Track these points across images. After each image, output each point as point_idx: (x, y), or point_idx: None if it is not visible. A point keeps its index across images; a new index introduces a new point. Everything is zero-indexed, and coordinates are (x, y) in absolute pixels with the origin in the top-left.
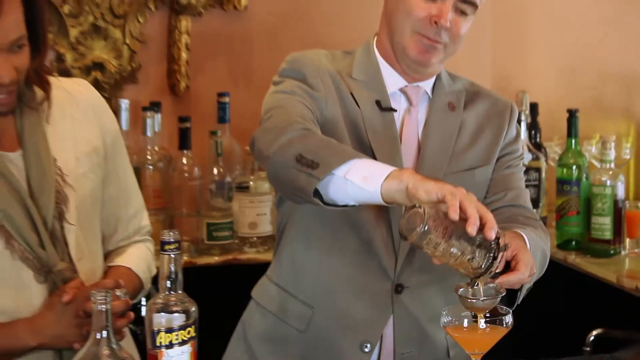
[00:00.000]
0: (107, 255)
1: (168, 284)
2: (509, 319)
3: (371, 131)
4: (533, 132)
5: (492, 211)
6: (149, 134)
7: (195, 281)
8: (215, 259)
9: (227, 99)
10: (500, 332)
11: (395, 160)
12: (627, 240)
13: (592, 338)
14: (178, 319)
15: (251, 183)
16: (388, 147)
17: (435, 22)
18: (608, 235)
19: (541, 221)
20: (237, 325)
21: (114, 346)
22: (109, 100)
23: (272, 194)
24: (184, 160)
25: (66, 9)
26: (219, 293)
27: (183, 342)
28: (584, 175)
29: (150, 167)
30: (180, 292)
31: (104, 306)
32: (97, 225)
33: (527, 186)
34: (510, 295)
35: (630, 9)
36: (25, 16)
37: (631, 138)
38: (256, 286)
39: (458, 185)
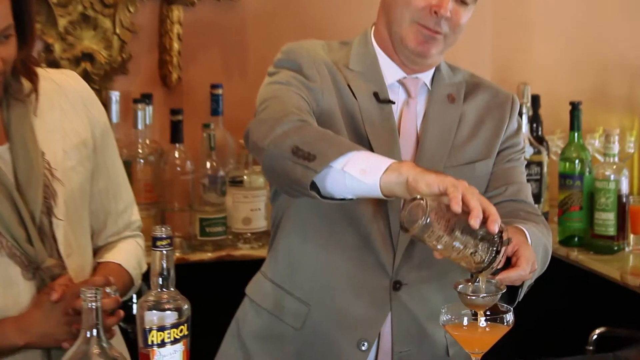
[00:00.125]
0: (97, 251)
1: (160, 281)
2: (510, 317)
3: (369, 123)
4: (535, 125)
5: None
6: (139, 126)
7: (188, 278)
8: (208, 256)
9: (220, 91)
10: (501, 331)
11: (394, 153)
12: (631, 237)
13: (594, 337)
14: (170, 316)
15: (245, 177)
16: (386, 140)
17: (435, 12)
18: (612, 231)
19: (543, 216)
20: (231, 322)
21: (105, 345)
22: (98, 91)
23: (266, 188)
24: (176, 154)
25: None
26: (212, 290)
27: (175, 341)
28: (587, 170)
29: (141, 160)
30: (172, 289)
31: (94, 304)
32: (86, 220)
33: (528, 180)
34: (511, 292)
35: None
36: (12, 6)
37: (635, 131)
38: (250, 283)
39: (458, 179)
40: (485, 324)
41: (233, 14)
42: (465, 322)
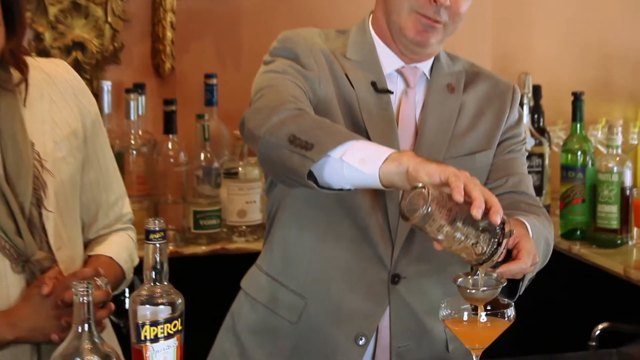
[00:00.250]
0: (87, 244)
1: (153, 274)
2: (511, 311)
3: (366, 113)
4: (536, 115)
5: None
6: (132, 117)
7: (182, 272)
8: (202, 249)
9: (214, 81)
10: (501, 326)
11: (392, 143)
12: (635, 230)
13: (597, 332)
14: (163, 311)
15: (240, 169)
16: (384, 130)
17: (435, 1)
18: (615, 224)
19: (544, 208)
20: (226, 316)
21: (96, 340)
22: (90, 81)
23: (262, 180)
24: (170, 145)
25: None
26: (206, 284)
27: (169, 336)
28: (590, 162)
29: (134, 152)
30: (165, 283)
31: (85, 298)
32: (76, 212)
33: (529, 172)
34: (512, 286)
35: None
36: None
37: (639, 122)
38: (245, 276)
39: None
40: (485, 318)
41: (228, 2)
42: (465, 317)
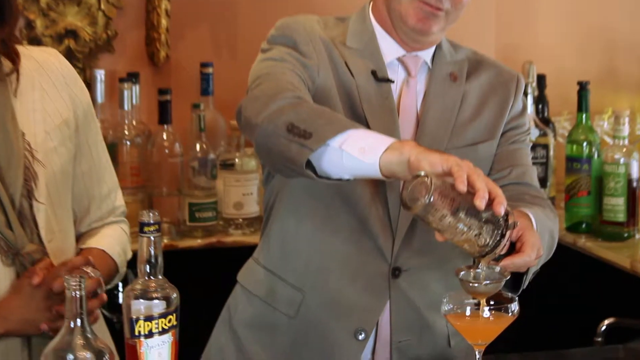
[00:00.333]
0: (79, 238)
1: (147, 268)
2: (514, 306)
3: (366, 103)
4: (540, 105)
5: None
6: (126, 107)
7: (177, 266)
8: (197, 242)
9: (210, 70)
10: (505, 321)
11: (393, 133)
12: None
13: (603, 328)
14: (158, 306)
15: (237, 160)
16: (385, 120)
17: None
18: (621, 217)
19: (549, 200)
20: (222, 311)
21: (89, 335)
22: (83, 70)
23: (259, 172)
24: (164, 136)
25: None
26: (201, 278)
27: (163, 331)
28: (596, 153)
29: (128, 142)
30: (160, 277)
31: (78, 292)
32: (68, 204)
33: (533, 164)
34: (515, 279)
35: None
36: None
37: None
38: (242, 269)
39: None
40: (488, 313)
41: None
42: (467, 311)
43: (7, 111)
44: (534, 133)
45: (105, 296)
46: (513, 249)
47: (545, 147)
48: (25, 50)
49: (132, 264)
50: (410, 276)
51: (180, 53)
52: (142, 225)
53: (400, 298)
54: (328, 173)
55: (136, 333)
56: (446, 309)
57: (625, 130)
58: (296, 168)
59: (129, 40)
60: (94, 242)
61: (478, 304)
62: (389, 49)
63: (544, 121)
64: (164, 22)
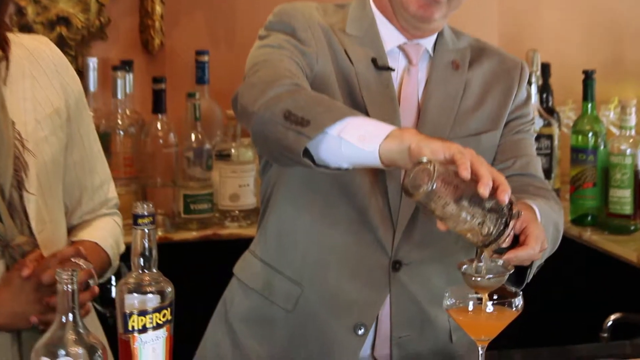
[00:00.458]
0: (71, 230)
1: (141, 262)
2: (518, 301)
3: (366, 91)
4: (545, 95)
5: None
6: (119, 95)
7: (171, 259)
8: (192, 235)
9: (206, 58)
10: (509, 316)
11: (393, 122)
12: None
13: (609, 323)
14: (152, 300)
15: (233, 150)
16: (385, 109)
17: None
18: (628, 209)
19: (554, 192)
20: (218, 305)
21: (81, 330)
22: (75, 58)
23: (255, 162)
24: (159, 125)
25: None
26: (197, 272)
27: (158, 326)
28: (601, 143)
29: (121, 132)
30: (154, 271)
31: (70, 286)
32: (59, 195)
33: (537, 155)
34: (519, 273)
35: None
36: None
37: None
38: (238, 262)
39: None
40: (492, 308)
41: None
42: (470, 306)
43: None
44: (538, 123)
45: (97, 289)
46: (517, 242)
47: (550, 137)
48: (16, 38)
49: (125, 257)
50: (411, 270)
51: (175, 40)
52: (136, 217)
53: (400, 292)
54: (326, 162)
55: (129, 328)
56: (448, 303)
57: (632, 120)
58: (293, 156)
59: (123, 28)
60: (85, 235)
61: (481, 299)
62: (390, 36)
63: (549, 111)
64: (158, 8)
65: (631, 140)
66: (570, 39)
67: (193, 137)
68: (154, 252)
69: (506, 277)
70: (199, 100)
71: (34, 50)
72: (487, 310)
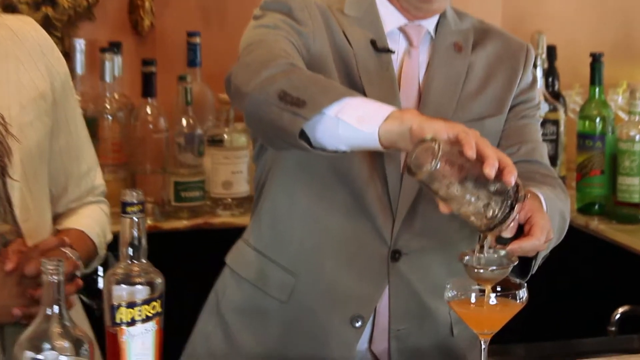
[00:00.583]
0: (56, 219)
1: (130, 251)
2: (523, 293)
3: (365, 73)
4: (550, 79)
5: None
6: (107, 79)
7: (161, 249)
8: (183, 223)
9: (198, 39)
10: (512, 309)
11: (394, 106)
12: None
13: (617, 316)
14: (141, 291)
15: (226, 136)
16: (384, 92)
17: None
18: (637, 198)
19: (560, 179)
20: (209, 295)
21: (67, 323)
22: (61, 40)
23: (249, 148)
24: (148, 110)
25: None
26: (188, 262)
27: (147, 319)
28: (610, 129)
29: (109, 117)
30: (143, 261)
31: (55, 277)
32: (44, 182)
33: (543, 141)
34: (523, 264)
35: None
36: None
37: None
38: (231, 251)
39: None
40: (495, 301)
41: None
42: (473, 298)
43: None
44: (544, 108)
45: (80, 281)
46: (521, 232)
47: (556, 123)
48: None
49: (114, 247)
50: (411, 260)
51: (165, 21)
52: (125, 205)
53: (400, 283)
54: (323, 144)
55: (117, 321)
56: (450, 295)
57: None
58: (289, 139)
59: (111, 8)
60: (71, 223)
61: (483, 290)
62: (390, 17)
63: (554, 95)
64: None
65: None
66: (577, 20)
67: (184, 122)
68: (144, 242)
69: (510, 269)
70: (191, 84)
71: (18, 31)
72: (490, 303)
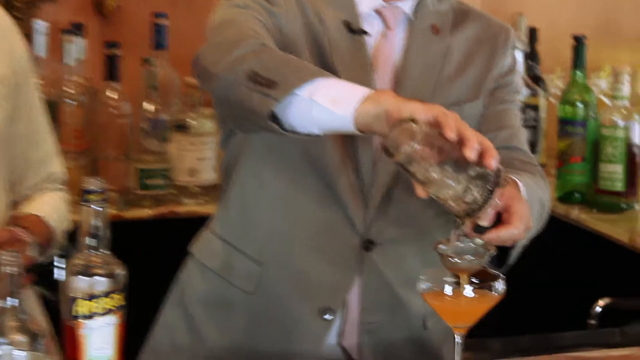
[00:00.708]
0: (12, 206)
1: (90, 242)
2: (500, 285)
3: (338, 56)
4: (531, 62)
5: None
6: (69, 62)
7: (124, 238)
8: (147, 212)
9: (164, 21)
10: (489, 301)
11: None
12: None
13: (598, 309)
14: (101, 283)
15: (192, 121)
16: (358, 75)
17: None
18: (619, 186)
19: (540, 166)
20: (173, 286)
21: (23, 316)
22: (22, 21)
23: (216, 134)
24: (112, 94)
25: None
26: (151, 253)
27: (107, 312)
28: (592, 115)
29: (71, 101)
30: (105, 251)
31: (12, 268)
32: (2, 168)
33: (523, 126)
34: (501, 254)
35: None
36: None
37: None
38: (196, 240)
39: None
40: (471, 293)
41: None
42: (448, 290)
43: None
44: (524, 93)
45: (34, 275)
46: (499, 220)
47: (536, 108)
48: None
49: (74, 237)
50: (384, 250)
51: (130, 2)
52: (86, 193)
53: (372, 274)
54: (295, 127)
55: (75, 314)
56: (423, 287)
57: (625, 89)
58: (259, 121)
59: None
60: (29, 209)
61: (459, 282)
62: None
63: (535, 79)
64: None
65: (624, 111)
66: (558, 1)
67: (149, 106)
68: (105, 232)
69: (486, 259)
70: (156, 67)
71: None
72: (466, 295)
